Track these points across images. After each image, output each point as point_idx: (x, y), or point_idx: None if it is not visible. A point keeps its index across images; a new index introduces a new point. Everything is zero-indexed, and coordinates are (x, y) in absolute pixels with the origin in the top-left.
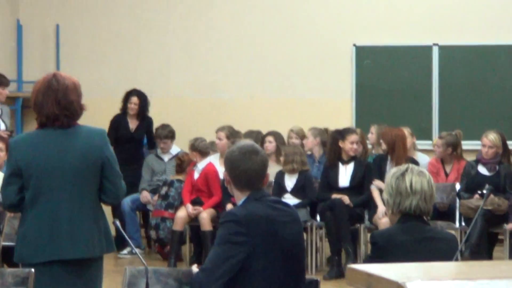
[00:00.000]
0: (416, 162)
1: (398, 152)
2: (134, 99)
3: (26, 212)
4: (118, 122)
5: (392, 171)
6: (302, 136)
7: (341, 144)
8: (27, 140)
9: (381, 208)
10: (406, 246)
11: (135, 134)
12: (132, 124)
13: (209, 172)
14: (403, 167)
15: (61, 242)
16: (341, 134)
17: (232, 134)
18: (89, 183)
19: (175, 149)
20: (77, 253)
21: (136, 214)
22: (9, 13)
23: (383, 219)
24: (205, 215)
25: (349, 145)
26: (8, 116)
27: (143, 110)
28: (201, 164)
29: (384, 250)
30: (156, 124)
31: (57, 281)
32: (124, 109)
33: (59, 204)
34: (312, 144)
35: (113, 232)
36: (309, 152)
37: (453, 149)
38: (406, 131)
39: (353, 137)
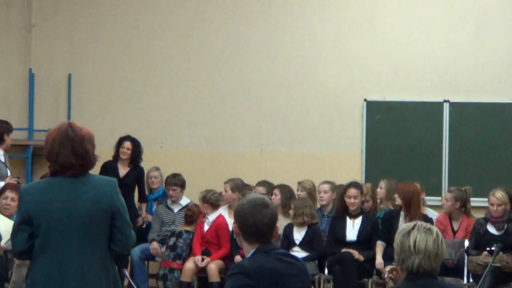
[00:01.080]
0: (429, 219)
1: (413, 208)
2: (127, 144)
3: (35, 259)
4: (107, 167)
5: (402, 227)
6: (309, 189)
7: (345, 197)
8: (38, 188)
9: (378, 261)
10: None
11: (124, 180)
12: (122, 170)
13: (219, 224)
14: (411, 224)
15: None
16: (344, 188)
17: (237, 186)
18: (99, 232)
19: (185, 200)
20: None
21: (145, 263)
22: (22, 63)
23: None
24: (213, 266)
25: (347, 199)
26: (9, 163)
27: (135, 156)
28: (212, 216)
29: None
30: (167, 174)
31: None
32: (116, 155)
33: (68, 252)
34: (329, 198)
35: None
36: (318, 206)
37: (461, 205)
38: (418, 186)
39: (351, 191)
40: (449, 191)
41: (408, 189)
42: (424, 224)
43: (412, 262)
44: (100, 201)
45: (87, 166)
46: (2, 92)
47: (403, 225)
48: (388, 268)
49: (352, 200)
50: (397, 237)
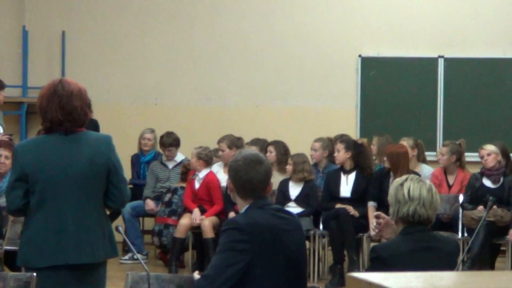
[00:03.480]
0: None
1: (402, 171)
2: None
3: (31, 216)
4: None
5: (395, 181)
6: (325, 147)
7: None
8: (33, 146)
9: (371, 226)
10: (407, 256)
11: None
12: None
13: (210, 181)
14: (404, 177)
15: (67, 247)
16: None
17: (233, 142)
18: (95, 188)
19: (179, 156)
20: (82, 258)
21: (138, 220)
22: (15, 20)
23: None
24: (207, 223)
25: (336, 153)
26: (2, 120)
27: None
28: (202, 173)
29: (385, 262)
30: (161, 131)
31: (61, 286)
32: None
33: (65, 209)
34: (321, 156)
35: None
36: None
37: (457, 158)
38: (408, 143)
39: (338, 146)
40: (444, 145)
41: (395, 152)
42: (416, 176)
43: (407, 209)
44: (96, 158)
45: (76, 122)
46: None
47: (397, 179)
48: (374, 213)
49: (335, 153)
50: (391, 191)
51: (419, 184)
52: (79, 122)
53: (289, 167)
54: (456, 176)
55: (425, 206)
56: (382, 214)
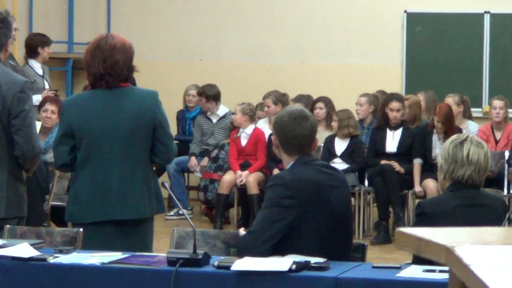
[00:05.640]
0: (460, 131)
1: (452, 127)
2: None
3: (77, 172)
4: None
5: (451, 137)
6: (371, 102)
7: (386, 109)
8: (79, 101)
9: (417, 188)
10: (455, 211)
11: None
12: None
13: (258, 135)
14: (463, 135)
15: (113, 202)
16: (386, 100)
17: (279, 98)
18: (141, 144)
19: (222, 110)
20: (128, 214)
21: (183, 176)
22: None
23: (430, 185)
24: (252, 179)
25: (389, 112)
26: (48, 76)
27: None
28: (249, 129)
29: (431, 218)
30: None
31: (107, 241)
32: None
33: (111, 165)
34: (366, 111)
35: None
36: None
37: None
38: (454, 99)
39: (393, 105)
40: (499, 98)
41: (446, 109)
42: (475, 137)
43: (463, 173)
44: (142, 114)
45: (117, 76)
46: (41, 5)
47: (453, 136)
48: None
49: (394, 114)
50: (448, 147)
51: (478, 148)
52: (121, 77)
53: (334, 123)
54: (503, 132)
55: (479, 173)
56: None
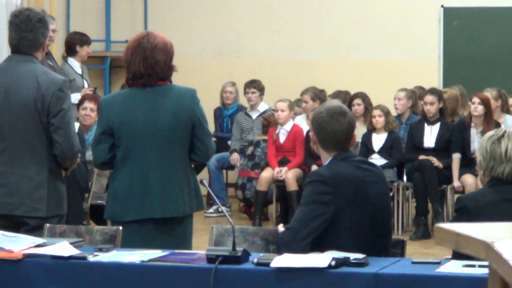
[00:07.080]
0: (499, 125)
1: (491, 117)
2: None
3: (116, 170)
4: None
5: (489, 133)
6: (409, 97)
7: (421, 103)
8: (118, 99)
9: (456, 183)
10: (494, 207)
11: None
12: None
13: (297, 132)
14: (500, 131)
15: (152, 200)
16: (421, 94)
17: (316, 95)
18: (180, 142)
19: (263, 106)
20: (167, 212)
21: (222, 173)
22: None
23: (469, 180)
24: (290, 175)
25: (424, 106)
26: (87, 75)
27: None
28: (288, 126)
29: (471, 213)
30: (242, 83)
31: (147, 239)
32: None
33: (150, 163)
34: (404, 106)
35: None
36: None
37: None
38: (491, 93)
39: (427, 98)
40: None
41: (486, 98)
42: None
43: (502, 170)
44: (181, 112)
45: (157, 75)
46: (78, 4)
47: (490, 132)
48: None
49: (428, 107)
50: (486, 143)
51: None
52: (161, 76)
53: (372, 119)
54: None
55: None
56: None
